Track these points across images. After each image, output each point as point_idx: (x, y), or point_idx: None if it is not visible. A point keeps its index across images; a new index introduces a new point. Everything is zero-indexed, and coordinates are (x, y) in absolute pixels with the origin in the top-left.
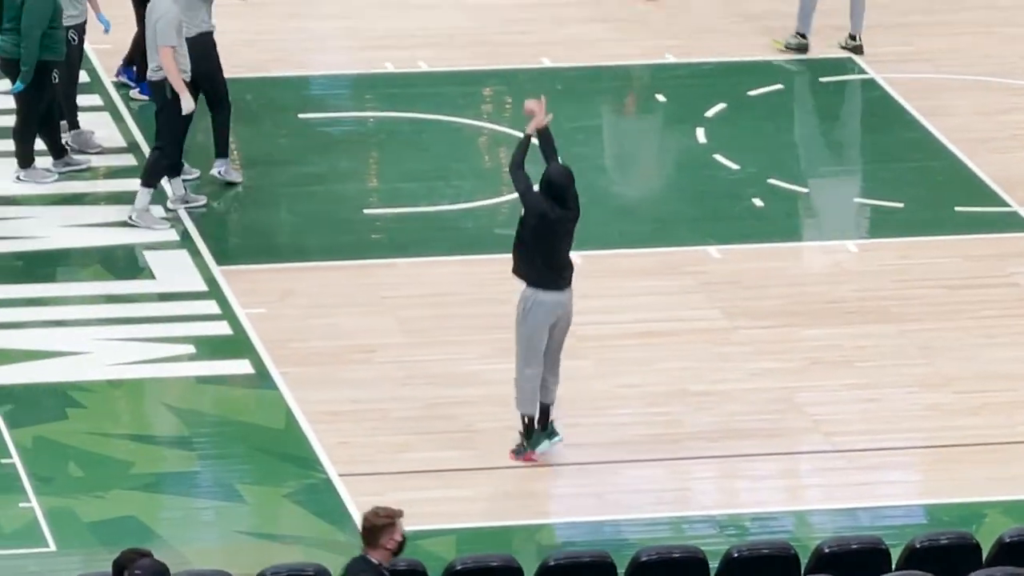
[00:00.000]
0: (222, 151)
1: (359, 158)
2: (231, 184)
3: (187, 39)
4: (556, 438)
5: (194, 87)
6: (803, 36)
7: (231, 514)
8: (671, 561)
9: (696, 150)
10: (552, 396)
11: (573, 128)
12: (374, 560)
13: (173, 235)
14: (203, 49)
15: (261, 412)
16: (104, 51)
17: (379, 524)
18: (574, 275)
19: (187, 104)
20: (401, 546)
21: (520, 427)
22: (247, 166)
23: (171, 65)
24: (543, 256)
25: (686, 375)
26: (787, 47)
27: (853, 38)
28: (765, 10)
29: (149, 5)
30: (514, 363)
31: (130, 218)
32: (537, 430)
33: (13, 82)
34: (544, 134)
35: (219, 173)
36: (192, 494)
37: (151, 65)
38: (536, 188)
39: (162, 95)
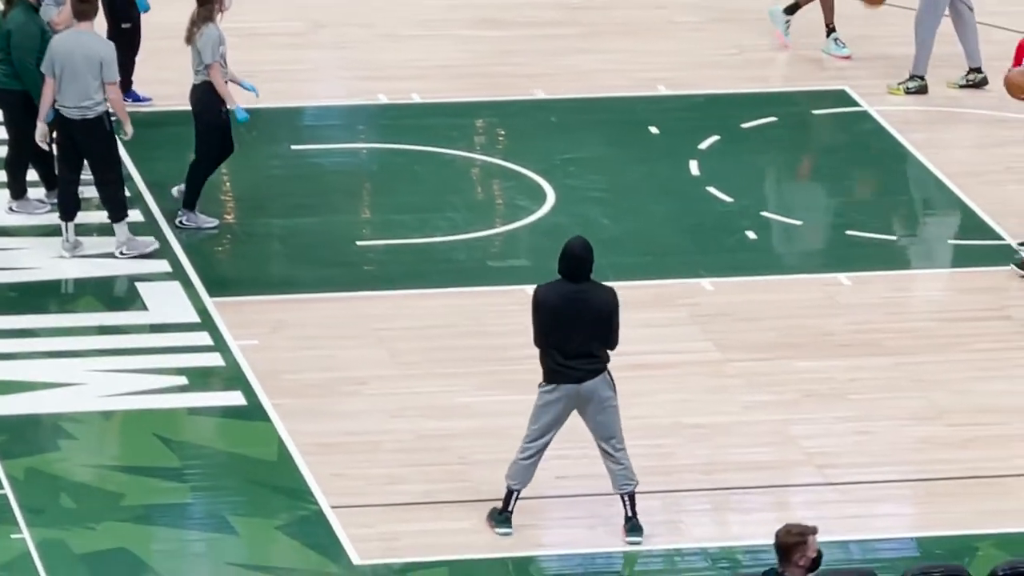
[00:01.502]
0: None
1: (352, 190)
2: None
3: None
4: (634, 536)
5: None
6: (921, 78)
7: (223, 546)
8: None
9: (689, 182)
10: (620, 482)
11: (565, 160)
12: None
13: (166, 266)
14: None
15: (253, 444)
16: None
17: (791, 542)
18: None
19: (130, 130)
20: (815, 563)
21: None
22: (239, 198)
23: (120, 98)
24: (549, 350)
25: (679, 408)
26: (907, 91)
27: (978, 70)
28: (760, 43)
29: (78, 39)
30: (504, 395)
31: (120, 253)
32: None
33: (7, 112)
34: None
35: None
36: (184, 526)
37: (84, 102)
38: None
39: (104, 129)
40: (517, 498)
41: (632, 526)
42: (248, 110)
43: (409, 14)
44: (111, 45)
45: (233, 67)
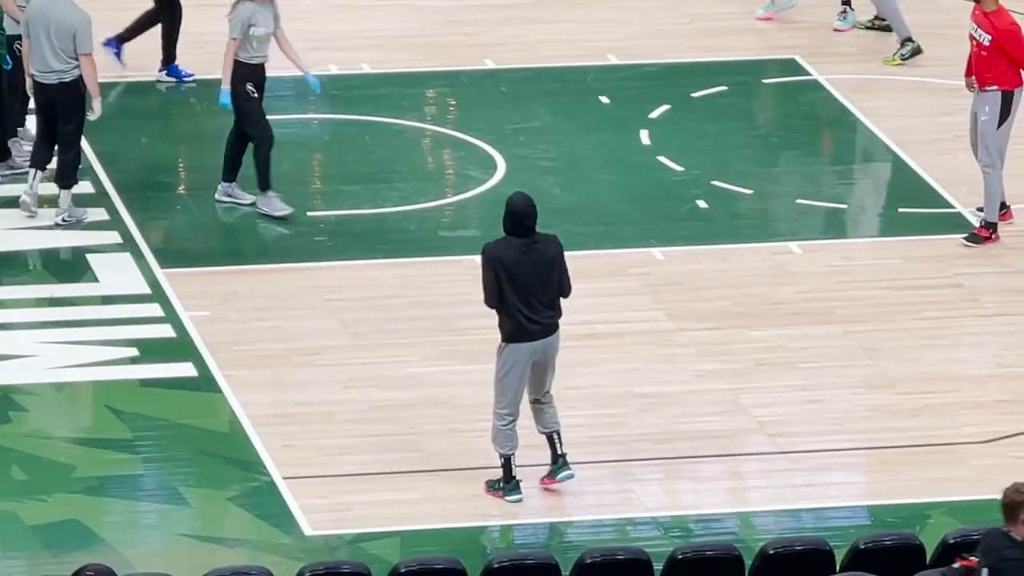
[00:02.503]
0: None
1: (302, 160)
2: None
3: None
4: (566, 472)
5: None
6: (910, 40)
7: (175, 517)
8: (615, 563)
9: (640, 152)
10: (550, 421)
11: (516, 130)
12: (1017, 536)
13: (116, 238)
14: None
15: (205, 415)
16: None
17: (1019, 500)
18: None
19: (99, 109)
20: None
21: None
22: (192, 168)
23: (94, 72)
24: (511, 307)
25: (630, 377)
26: (902, 58)
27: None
28: (710, 12)
29: (53, 6)
30: (456, 365)
31: (62, 220)
32: (552, 461)
33: None
34: None
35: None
36: (135, 497)
37: (61, 66)
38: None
39: (80, 93)
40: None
41: (564, 461)
42: (199, 81)
43: None
44: (85, 15)
45: (185, 38)
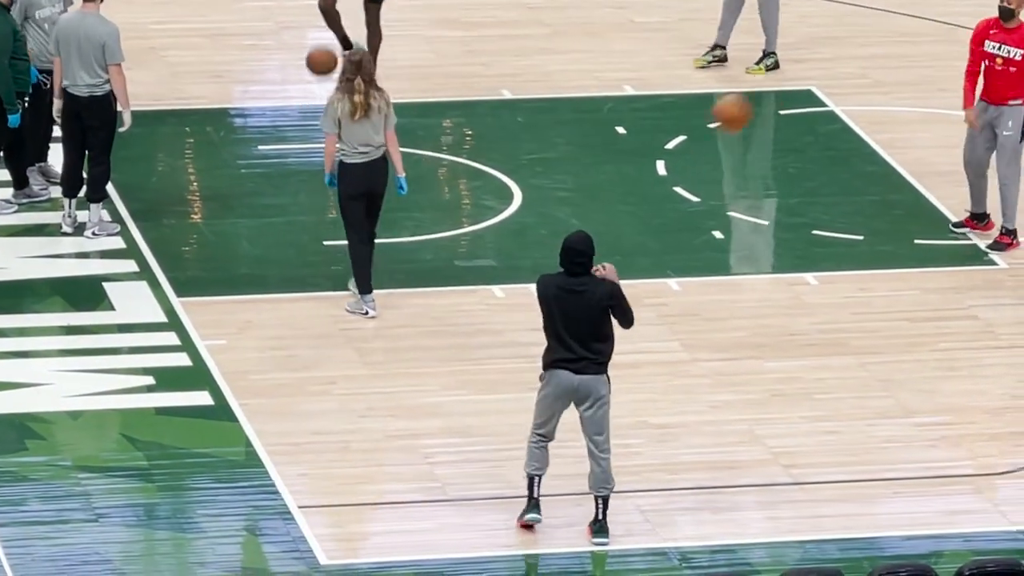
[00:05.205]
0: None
1: (318, 190)
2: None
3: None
4: (601, 538)
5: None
6: (774, 53)
7: (190, 546)
8: None
9: (656, 182)
10: (598, 486)
11: (532, 160)
12: None
13: (133, 266)
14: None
15: (221, 444)
16: None
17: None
18: None
19: (128, 120)
20: None
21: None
22: (207, 198)
23: (123, 82)
24: (551, 337)
25: (646, 407)
26: (767, 68)
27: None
28: (727, 43)
29: (82, 20)
30: (472, 395)
31: (92, 233)
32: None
33: None
34: None
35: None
36: (151, 526)
37: (92, 80)
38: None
39: (111, 108)
40: (540, 483)
41: (600, 527)
42: (215, 110)
43: None
44: (114, 27)
45: (198, 66)
